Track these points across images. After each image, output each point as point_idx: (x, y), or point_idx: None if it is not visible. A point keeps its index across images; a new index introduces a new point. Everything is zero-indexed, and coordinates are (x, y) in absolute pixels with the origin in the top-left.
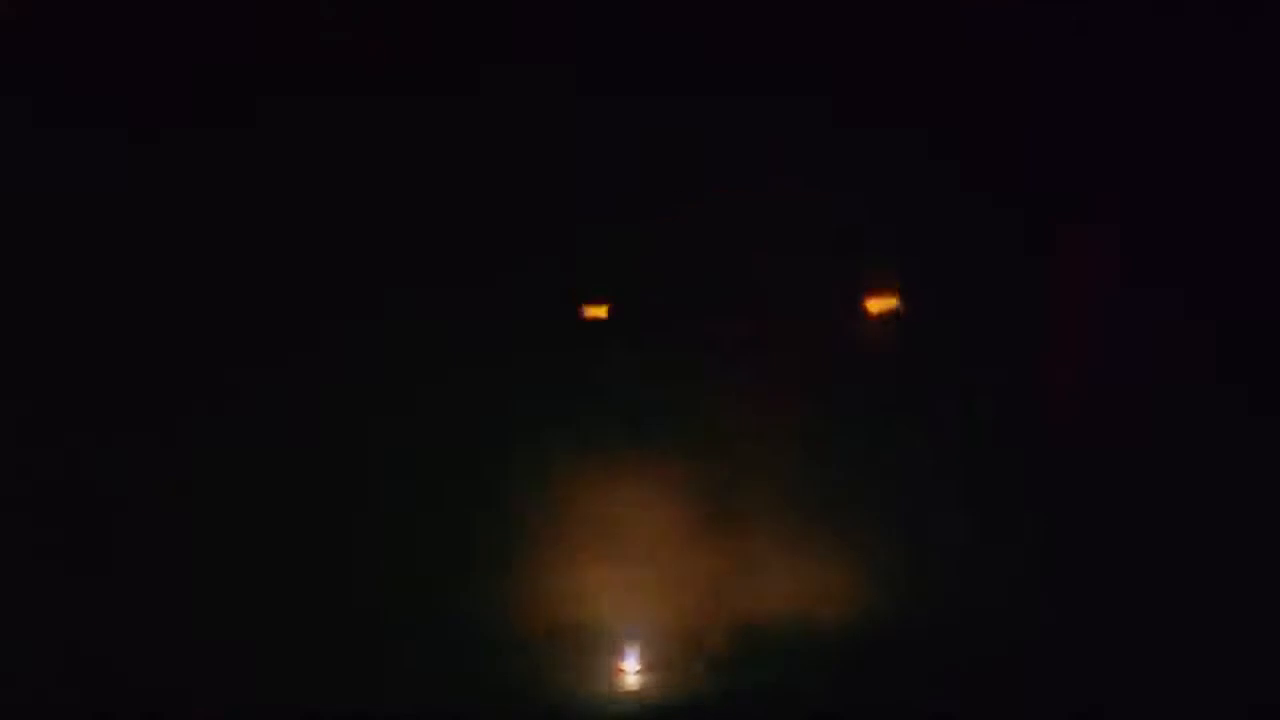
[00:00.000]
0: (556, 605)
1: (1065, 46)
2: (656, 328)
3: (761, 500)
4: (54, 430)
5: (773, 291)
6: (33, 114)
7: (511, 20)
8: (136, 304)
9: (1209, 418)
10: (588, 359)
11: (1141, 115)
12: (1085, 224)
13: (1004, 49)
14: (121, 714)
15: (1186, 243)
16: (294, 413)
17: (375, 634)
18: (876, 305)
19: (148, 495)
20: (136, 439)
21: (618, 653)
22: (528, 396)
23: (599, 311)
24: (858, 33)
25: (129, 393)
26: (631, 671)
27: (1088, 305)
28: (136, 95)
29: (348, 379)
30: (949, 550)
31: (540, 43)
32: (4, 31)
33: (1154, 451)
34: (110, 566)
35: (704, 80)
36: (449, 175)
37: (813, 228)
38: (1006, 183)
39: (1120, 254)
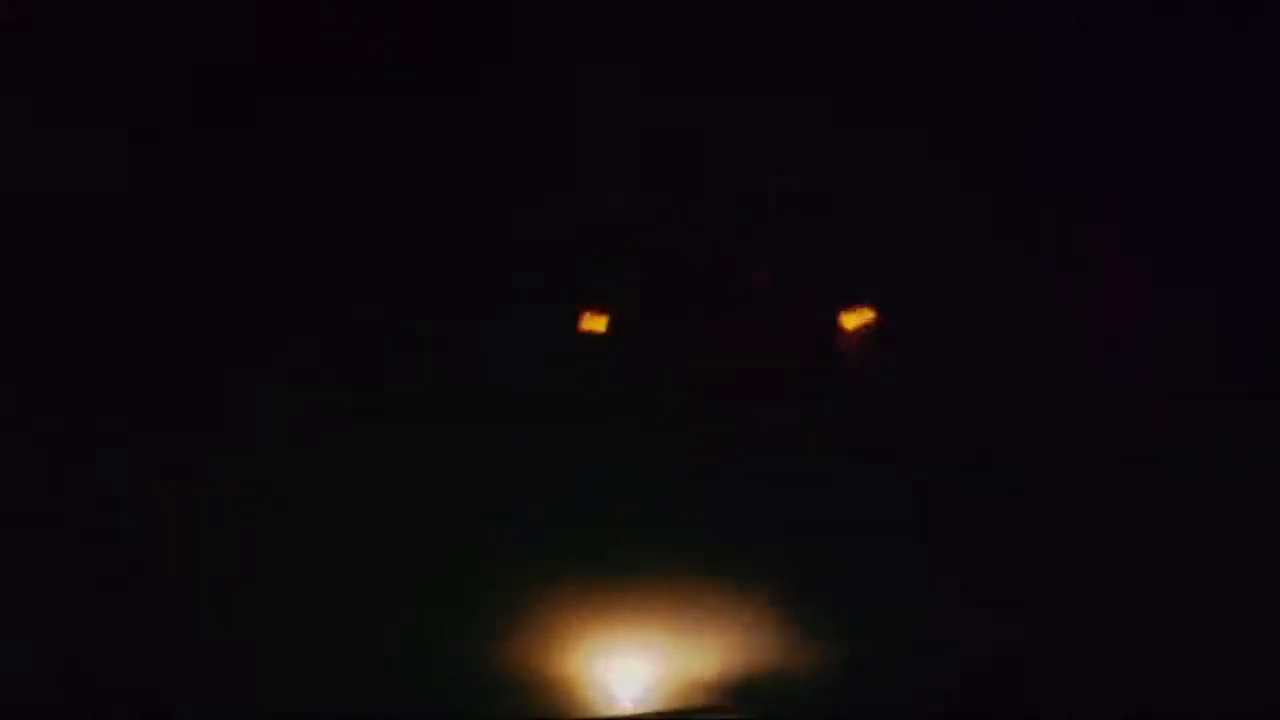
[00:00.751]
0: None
1: (1065, 46)
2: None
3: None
4: (52, 431)
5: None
6: (33, 114)
7: (511, 20)
8: (137, 304)
9: (1210, 419)
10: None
11: (1141, 115)
12: (1085, 224)
13: (1004, 49)
14: (120, 715)
15: (1187, 243)
16: (294, 413)
17: (375, 647)
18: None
19: (146, 497)
20: (135, 440)
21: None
22: (528, 407)
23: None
24: (858, 33)
25: (128, 393)
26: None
27: (1086, 306)
28: (136, 95)
29: (348, 380)
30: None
31: (540, 43)
32: (4, 31)
33: (1157, 455)
34: (109, 568)
35: (704, 80)
36: (449, 175)
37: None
38: (1006, 183)
39: (1120, 254)
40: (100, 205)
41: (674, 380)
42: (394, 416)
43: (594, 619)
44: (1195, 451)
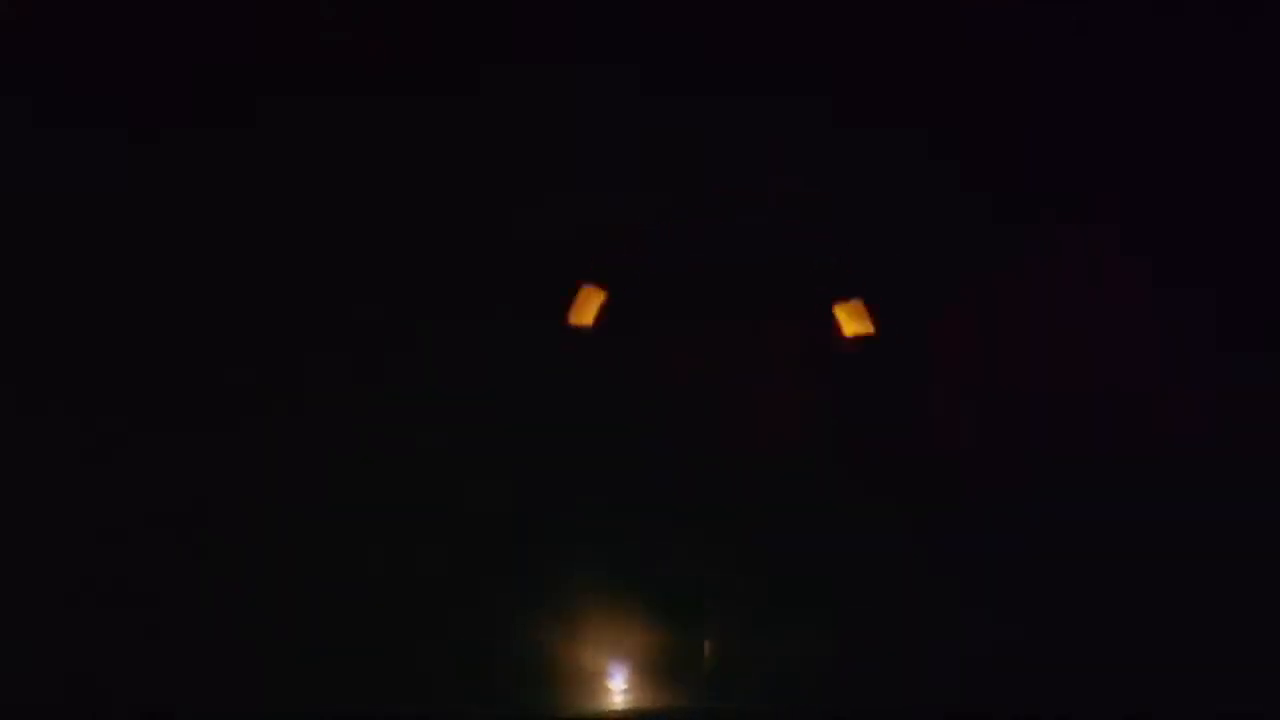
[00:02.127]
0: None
1: (1065, 46)
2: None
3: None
4: (52, 432)
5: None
6: (33, 114)
7: (511, 20)
8: (136, 305)
9: (1210, 419)
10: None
11: (1142, 115)
12: (1085, 224)
13: (1004, 49)
14: (120, 715)
15: (1187, 243)
16: (296, 415)
17: (372, 647)
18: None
19: (145, 497)
20: (135, 440)
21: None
22: (524, 403)
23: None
24: (858, 33)
25: (128, 393)
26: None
27: (1086, 306)
28: (136, 95)
29: (349, 382)
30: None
31: (540, 43)
32: (4, 31)
33: (1157, 455)
34: (108, 567)
35: (704, 80)
36: (449, 175)
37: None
38: (1006, 183)
39: (1120, 254)
40: (100, 205)
41: (675, 381)
42: (394, 416)
43: (593, 615)
44: (1195, 451)
